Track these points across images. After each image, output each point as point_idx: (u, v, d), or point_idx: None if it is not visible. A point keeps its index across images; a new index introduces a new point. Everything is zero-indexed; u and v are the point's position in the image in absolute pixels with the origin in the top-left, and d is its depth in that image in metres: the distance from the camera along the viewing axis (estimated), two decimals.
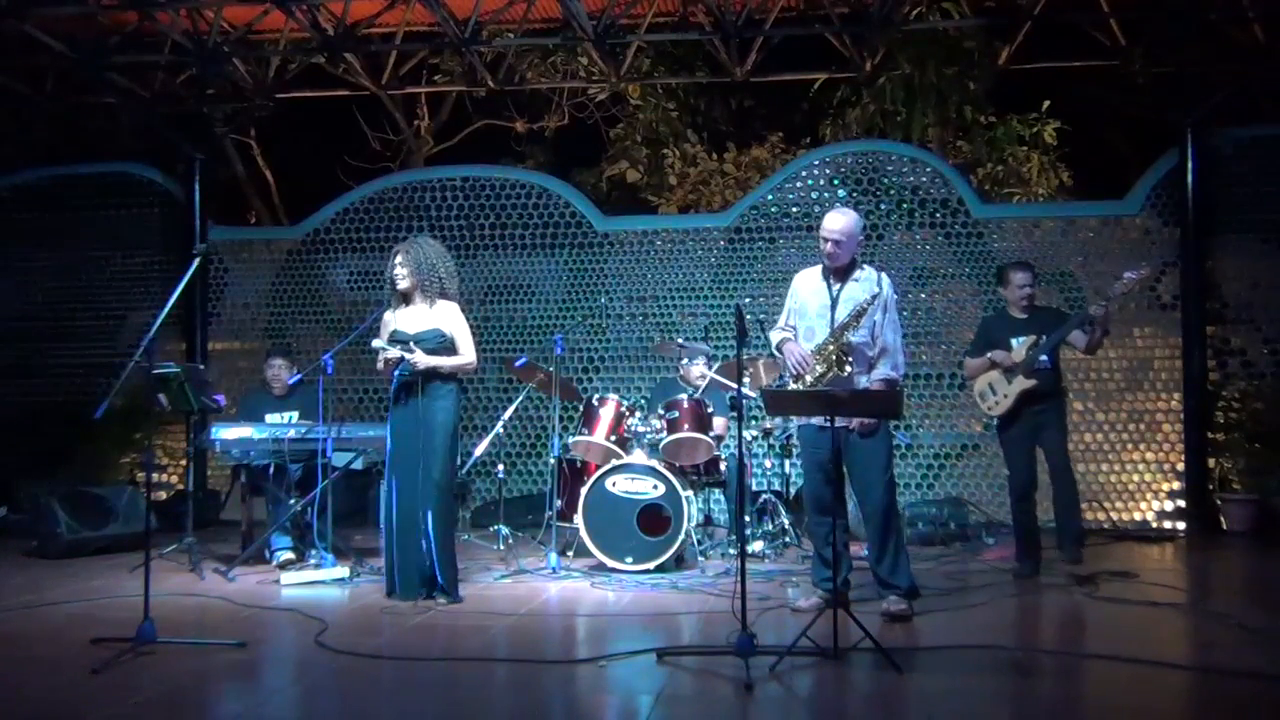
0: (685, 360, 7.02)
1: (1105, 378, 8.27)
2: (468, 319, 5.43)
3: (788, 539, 6.79)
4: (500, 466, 7.49)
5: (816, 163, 8.83)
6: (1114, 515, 8.09)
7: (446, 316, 5.32)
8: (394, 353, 5.19)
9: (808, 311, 4.94)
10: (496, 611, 5.02)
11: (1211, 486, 8.04)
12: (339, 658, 4.15)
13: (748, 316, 4.42)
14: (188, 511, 6.61)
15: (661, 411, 6.38)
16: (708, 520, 7.41)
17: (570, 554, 6.43)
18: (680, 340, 7.02)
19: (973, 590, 5.50)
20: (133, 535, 6.83)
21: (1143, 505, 8.16)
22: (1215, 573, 6.71)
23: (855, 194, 8.59)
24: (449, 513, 5.36)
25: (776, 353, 5.05)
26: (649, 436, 6.34)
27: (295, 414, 6.72)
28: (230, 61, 8.68)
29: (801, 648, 4.01)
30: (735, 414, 6.38)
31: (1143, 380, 8.25)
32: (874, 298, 4.78)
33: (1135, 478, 8.20)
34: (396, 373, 5.27)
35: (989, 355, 5.86)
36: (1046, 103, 10.73)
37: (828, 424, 4.44)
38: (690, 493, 6.24)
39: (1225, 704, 3.67)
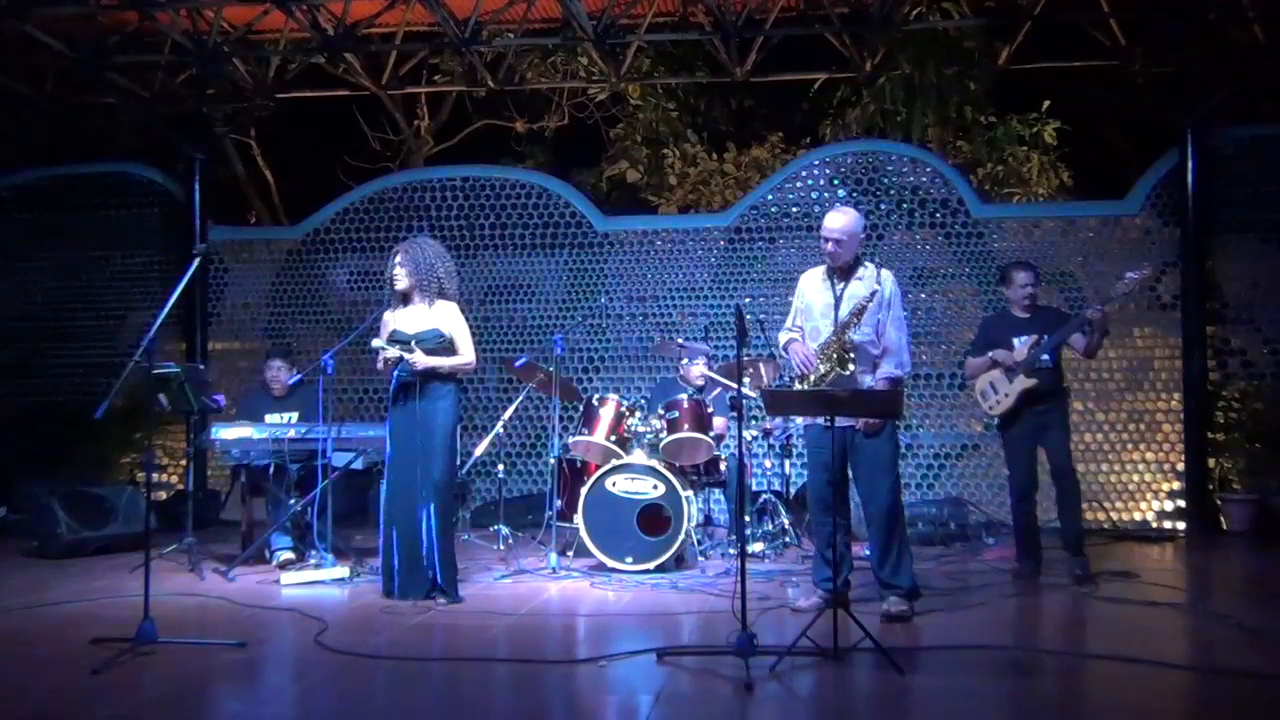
0: (685, 360, 7.03)
1: (1105, 378, 8.27)
2: (467, 319, 5.44)
3: (788, 539, 6.78)
4: (500, 466, 7.48)
5: (816, 163, 8.83)
6: (1114, 515, 8.09)
7: (446, 316, 5.32)
8: (393, 352, 5.19)
9: (813, 311, 4.95)
10: (496, 611, 5.02)
11: (1211, 486, 8.04)
12: (339, 657, 4.15)
13: (748, 316, 4.42)
14: (188, 511, 6.60)
15: (661, 411, 6.38)
16: (708, 520, 7.41)
17: (570, 554, 6.43)
18: (680, 340, 7.02)
19: (973, 590, 5.50)
20: (133, 535, 6.83)
21: (1143, 505, 8.16)
22: (1215, 573, 6.71)
23: (855, 194, 8.59)
24: (449, 513, 5.36)
25: (783, 353, 5.06)
26: (649, 436, 6.34)
27: (295, 414, 6.72)
28: (230, 61, 8.68)
29: (801, 648, 4.01)
30: (735, 414, 6.38)
31: (1143, 380, 8.25)
32: (872, 295, 4.79)
33: (1135, 478, 8.20)
34: (396, 372, 5.28)
35: (991, 354, 5.85)
36: (1046, 103, 10.73)
37: (832, 423, 4.44)
38: (690, 493, 6.23)
39: (1225, 704, 3.67)
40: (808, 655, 4.00)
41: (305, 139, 12.53)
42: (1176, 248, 8.20)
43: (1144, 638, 4.50)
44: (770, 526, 6.83)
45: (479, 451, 7.46)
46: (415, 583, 5.19)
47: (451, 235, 9.00)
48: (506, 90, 10.14)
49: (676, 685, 3.80)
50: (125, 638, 4.15)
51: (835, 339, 4.79)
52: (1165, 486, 8.14)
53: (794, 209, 8.73)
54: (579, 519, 6.09)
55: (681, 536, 5.98)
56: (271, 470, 6.39)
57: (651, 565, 5.95)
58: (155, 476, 9.00)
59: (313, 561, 6.04)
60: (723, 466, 6.85)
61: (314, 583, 5.73)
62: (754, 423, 7.68)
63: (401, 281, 5.32)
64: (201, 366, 8.28)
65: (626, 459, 6.20)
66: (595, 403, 6.50)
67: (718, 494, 7.59)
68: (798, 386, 4.84)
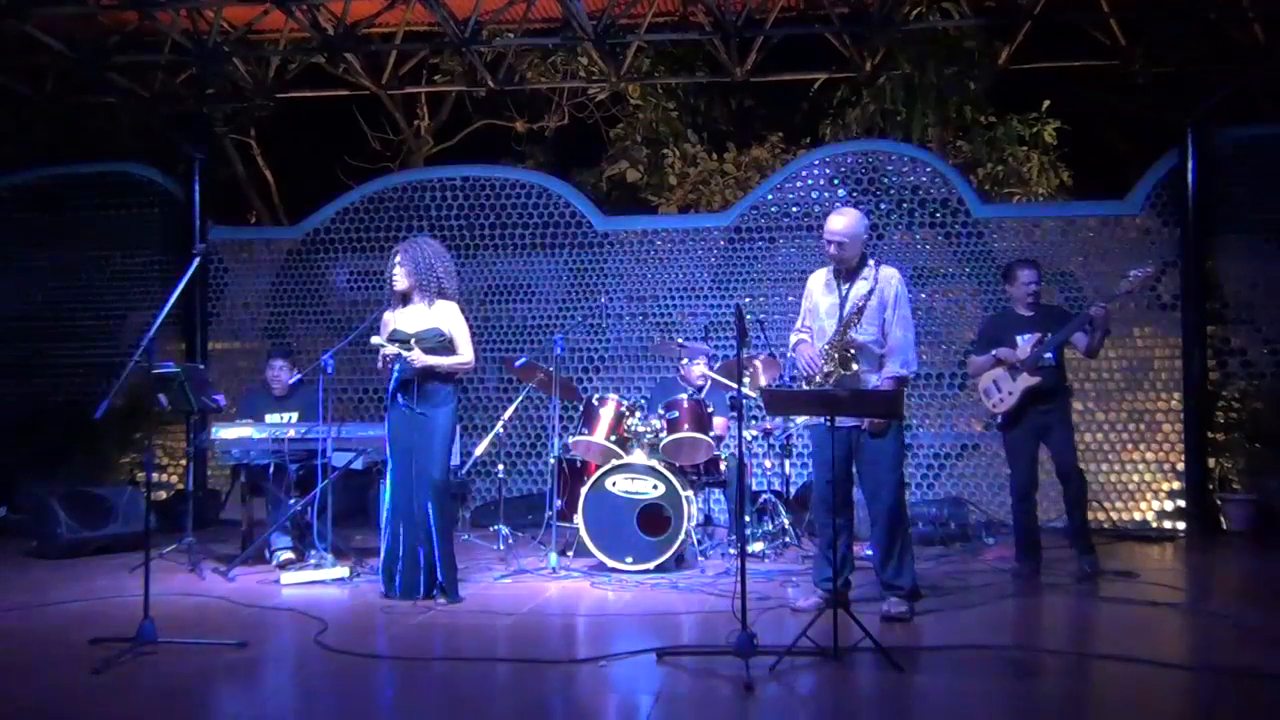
0: (685, 360, 7.03)
1: (1105, 378, 8.27)
2: (467, 319, 5.44)
3: (788, 539, 6.78)
4: (500, 466, 7.48)
5: (816, 162, 8.83)
6: (1114, 515, 8.08)
7: (445, 316, 5.33)
8: (392, 349, 5.20)
9: (819, 312, 4.97)
10: (496, 611, 5.02)
11: (1211, 486, 8.04)
12: (339, 657, 4.15)
13: (747, 316, 4.43)
14: (188, 511, 6.61)
15: (661, 411, 6.38)
16: (708, 520, 7.41)
17: (570, 554, 6.43)
18: (680, 340, 7.02)
19: (973, 590, 5.50)
20: (133, 535, 6.83)
21: (1143, 505, 8.16)
22: (1215, 572, 6.71)
23: (855, 194, 8.59)
24: (448, 512, 5.36)
25: (793, 353, 5.07)
26: (649, 436, 6.34)
27: (295, 414, 6.73)
28: (230, 61, 8.67)
29: (801, 648, 4.01)
30: (735, 414, 6.38)
31: (1143, 380, 8.25)
32: (869, 293, 4.79)
33: (1135, 478, 8.19)
34: (395, 371, 5.28)
35: (994, 352, 5.85)
36: (1046, 103, 10.73)
37: (839, 423, 4.44)
38: (690, 493, 6.23)
39: (1225, 704, 3.67)
40: (808, 655, 4.01)
41: (305, 139, 12.54)
42: (1176, 247, 8.19)
43: (1144, 637, 4.50)
44: (770, 526, 6.83)
45: (479, 451, 7.46)
46: (415, 582, 5.19)
47: (451, 235, 9.00)
48: (506, 90, 10.14)
49: (676, 685, 3.80)
50: (125, 638, 4.16)
51: (838, 339, 4.79)
52: (1165, 486, 8.14)
53: (794, 209, 8.73)
54: (579, 519, 6.09)
55: (681, 536, 5.98)
56: (271, 470, 6.39)
57: (651, 565, 5.95)
58: (155, 476, 8.99)
59: (313, 561, 6.03)
60: (723, 466, 6.85)
61: (314, 582, 5.73)
62: (754, 423, 7.68)
63: (401, 281, 5.33)
64: (201, 366, 8.28)
65: (626, 459, 6.20)
66: (595, 403, 6.49)
67: (718, 494, 7.59)
68: (805, 387, 4.84)
